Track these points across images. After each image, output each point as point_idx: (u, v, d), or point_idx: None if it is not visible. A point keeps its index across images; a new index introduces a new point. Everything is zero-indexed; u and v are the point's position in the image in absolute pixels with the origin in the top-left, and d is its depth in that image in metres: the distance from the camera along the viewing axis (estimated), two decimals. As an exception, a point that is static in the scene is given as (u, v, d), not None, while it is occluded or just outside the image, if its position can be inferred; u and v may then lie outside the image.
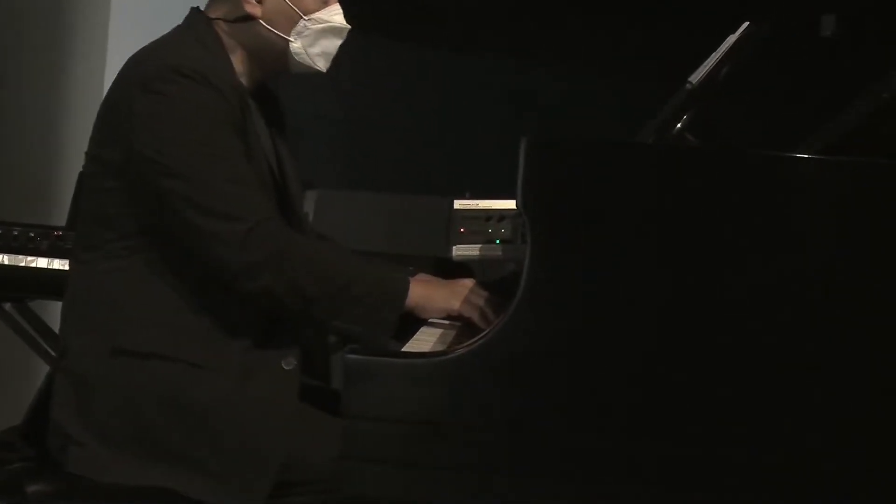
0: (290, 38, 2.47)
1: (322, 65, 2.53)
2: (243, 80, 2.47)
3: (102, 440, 2.30)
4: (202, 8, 2.53)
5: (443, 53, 4.69)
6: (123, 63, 4.20)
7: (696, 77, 2.25)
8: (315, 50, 2.50)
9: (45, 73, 4.55)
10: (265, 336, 2.37)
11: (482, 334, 1.96)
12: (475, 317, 2.42)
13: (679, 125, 2.16)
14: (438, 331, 2.39)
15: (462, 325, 2.45)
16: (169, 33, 2.50)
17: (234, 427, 2.28)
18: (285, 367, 2.36)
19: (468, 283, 2.56)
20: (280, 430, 2.30)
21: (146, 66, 2.38)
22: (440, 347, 2.22)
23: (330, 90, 4.74)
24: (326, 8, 2.49)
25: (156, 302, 2.34)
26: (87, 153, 2.47)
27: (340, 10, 2.52)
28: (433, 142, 4.71)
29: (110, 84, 4.24)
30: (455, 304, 2.42)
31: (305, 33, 2.48)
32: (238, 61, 2.47)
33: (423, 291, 2.40)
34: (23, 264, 3.37)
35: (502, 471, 1.96)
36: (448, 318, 2.45)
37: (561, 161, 2.00)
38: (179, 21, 4.32)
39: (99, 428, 2.30)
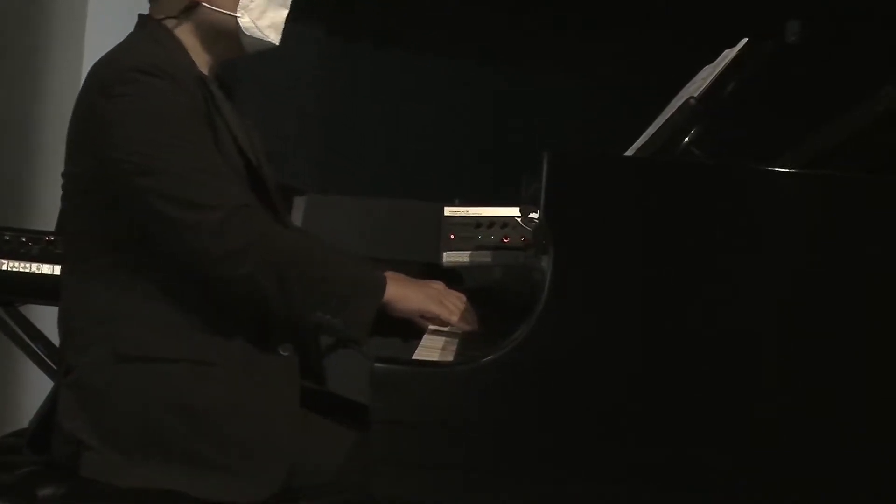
0: (238, 15, 2.48)
1: (273, 37, 2.54)
2: (203, 71, 2.49)
3: (114, 445, 2.31)
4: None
5: (432, 60, 4.71)
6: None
7: (697, 91, 2.29)
8: (264, 22, 2.51)
9: (20, 75, 4.54)
10: (261, 329, 2.38)
11: (507, 342, 2.01)
12: (453, 319, 2.46)
13: (686, 140, 2.21)
14: (442, 339, 2.42)
15: (464, 332, 2.49)
16: (121, 42, 2.50)
17: (241, 421, 2.30)
18: (282, 353, 2.38)
19: (440, 285, 2.59)
20: (287, 418, 2.32)
21: (104, 73, 2.39)
22: (448, 356, 2.27)
23: (320, 96, 4.76)
24: None
25: (149, 306, 2.34)
26: (63, 173, 2.47)
27: None
28: (423, 148, 4.73)
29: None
30: (431, 307, 2.46)
31: (251, 6, 2.49)
32: (194, 53, 2.49)
33: (399, 290, 2.42)
34: (14, 268, 3.37)
35: (530, 473, 2.01)
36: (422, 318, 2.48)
37: (583, 174, 2.04)
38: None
39: (109, 434, 2.31)
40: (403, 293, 2.42)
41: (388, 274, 2.47)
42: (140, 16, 2.53)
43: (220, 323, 2.35)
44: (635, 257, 2.03)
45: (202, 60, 2.50)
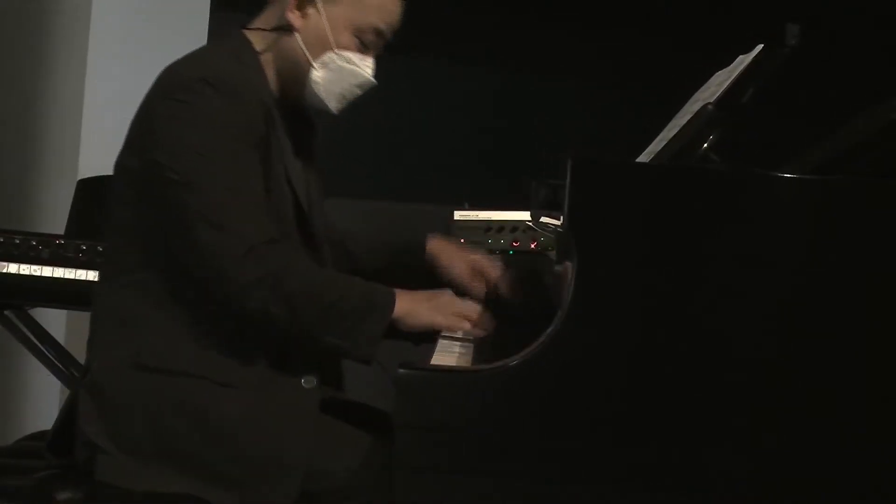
0: (315, 65, 2.45)
1: (334, 106, 2.50)
2: (277, 95, 2.46)
3: (128, 451, 2.31)
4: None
5: (442, 65, 4.71)
6: (103, 67, 4.24)
7: (713, 97, 2.31)
8: (333, 88, 2.47)
9: (24, 77, 4.54)
10: (284, 355, 2.37)
11: (533, 346, 2.03)
12: (464, 326, 2.44)
13: (705, 146, 2.23)
14: (457, 343, 2.43)
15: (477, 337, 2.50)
16: (204, 45, 2.49)
17: (255, 438, 2.30)
18: (305, 386, 2.37)
19: (448, 295, 2.56)
20: (301, 442, 2.31)
21: (175, 76, 2.38)
22: (465, 360, 2.28)
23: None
24: (361, 55, 2.48)
25: (175, 319, 2.34)
26: (115, 163, 2.46)
27: (372, 65, 2.50)
28: (432, 151, 4.73)
29: (90, 89, 4.27)
30: (439, 319, 2.43)
31: (331, 66, 2.45)
32: (273, 77, 2.46)
33: (407, 306, 2.38)
34: (24, 272, 3.38)
35: (550, 477, 2.04)
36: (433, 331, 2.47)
37: (607, 180, 2.07)
38: (161, 26, 4.36)
39: (125, 440, 2.32)
40: (411, 309, 2.39)
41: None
42: (236, 27, 2.51)
43: (243, 346, 2.35)
44: (658, 262, 2.05)
45: (279, 87, 2.47)
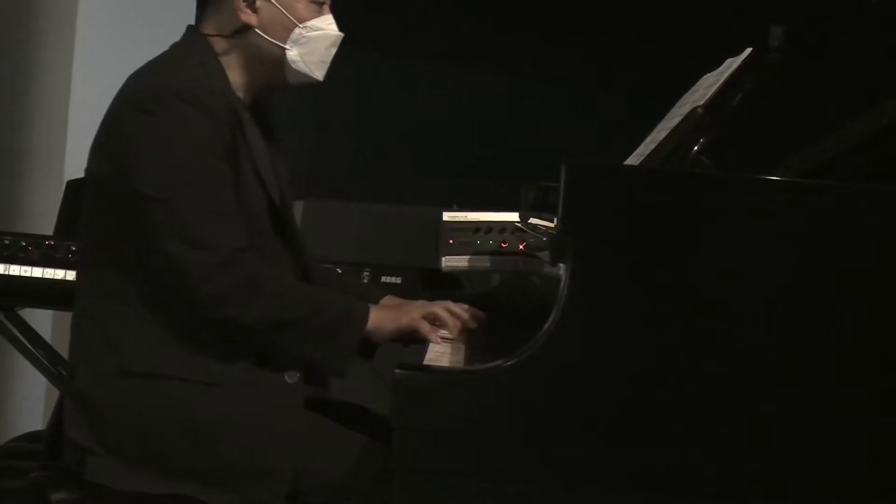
0: (287, 47, 2.49)
1: (319, 74, 2.55)
2: (240, 95, 2.49)
3: (116, 455, 2.34)
4: (186, 21, 2.57)
5: (433, 67, 4.71)
6: (89, 68, 4.24)
7: (702, 100, 2.32)
8: (312, 58, 2.52)
9: (9, 77, 4.53)
10: (266, 353, 2.40)
11: (526, 347, 2.05)
12: (427, 332, 2.47)
13: (695, 149, 2.25)
14: (448, 346, 2.45)
15: (467, 338, 2.51)
16: (166, 51, 2.51)
17: (241, 440, 2.32)
18: (288, 381, 2.39)
19: (419, 303, 2.61)
20: (288, 440, 2.33)
21: (141, 86, 2.41)
22: (458, 361, 2.30)
23: (319, 101, 4.76)
24: (320, 17, 2.52)
25: (155, 323, 2.36)
26: (86, 168, 2.49)
27: (333, 20, 2.55)
28: (421, 152, 4.74)
29: (76, 90, 4.26)
30: (402, 321, 2.48)
31: (301, 41, 2.50)
32: (235, 76, 2.50)
33: (375, 319, 2.44)
34: (14, 273, 3.38)
35: (547, 477, 2.06)
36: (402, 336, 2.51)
37: (601, 185, 2.09)
38: (146, 27, 4.35)
39: (111, 444, 2.35)
40: (378, 317, 2.45)
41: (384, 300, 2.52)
42: (189, 27, 2.54)
43: (225, 345, 2.37)
44: (651, 264, 2.08)
45: (243, 84, 2.51)
